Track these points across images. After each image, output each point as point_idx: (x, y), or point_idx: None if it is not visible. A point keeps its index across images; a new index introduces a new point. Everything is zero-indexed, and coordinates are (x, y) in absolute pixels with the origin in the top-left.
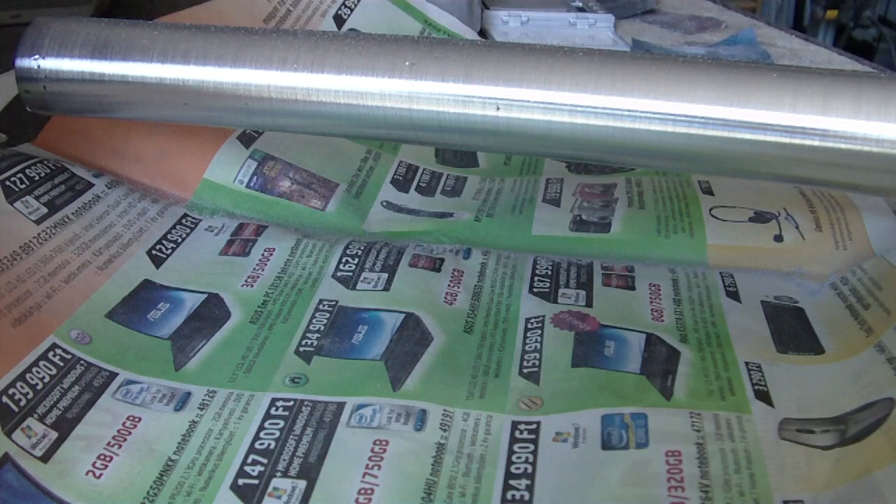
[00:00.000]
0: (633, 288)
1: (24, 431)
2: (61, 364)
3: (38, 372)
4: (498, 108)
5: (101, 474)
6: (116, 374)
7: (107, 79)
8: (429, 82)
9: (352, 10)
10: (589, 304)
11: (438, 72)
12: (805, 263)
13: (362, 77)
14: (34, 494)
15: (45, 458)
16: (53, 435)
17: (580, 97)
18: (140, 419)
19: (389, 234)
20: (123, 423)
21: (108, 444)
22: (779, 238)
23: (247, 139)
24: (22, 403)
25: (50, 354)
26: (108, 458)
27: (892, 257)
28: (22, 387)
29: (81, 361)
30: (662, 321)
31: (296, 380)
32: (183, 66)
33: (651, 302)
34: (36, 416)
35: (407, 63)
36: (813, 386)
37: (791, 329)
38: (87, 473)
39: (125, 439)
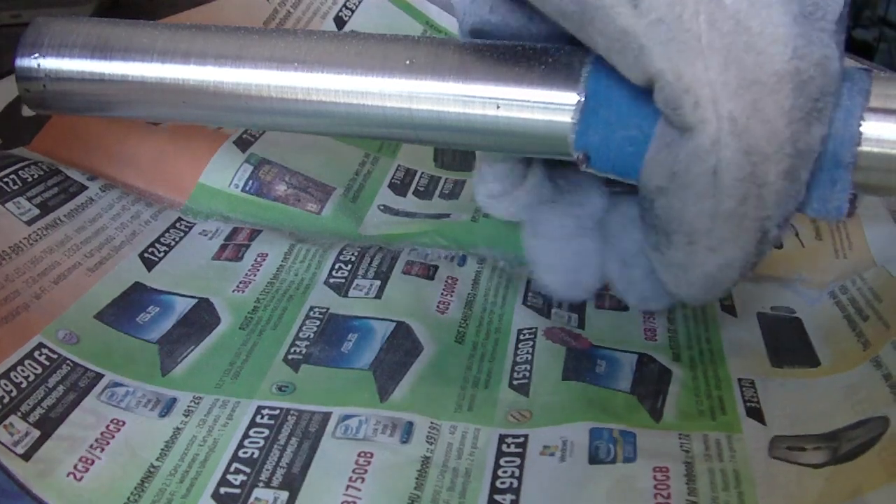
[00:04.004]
0: (626, 309)
1: (6, 429)
2: (47, 363)
3: (23, 370)
4: (498, 107)
5: (81, 476)
6: (102, 376)
7: (107, 78)
8: (428, 81)
9: (353, 12)
10: (581, 325)
11: (438, 70)
12: (804, 271)
13: (362, 77)
14: (14, 493)
15: (26, 457)
16: (36, 433)
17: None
18: (124, 423)
19: (385, 237)
20: (107, 426)
21: (91, 446)
22: (778, 245)
23: (243, 143)
24: (5, 401)
25: (36, 353)
26: (89, 462)
27: (893, 267)
28: (6, 384)
29: (68, 361)
30: (655, 340)
31: (282, 388)
32: (183, 65)
33: (644, 322)
34: (19, 413)
35: (407, 62)
36: (806, 401)
37: (787, 341)
38: (67, 475)
39: (108, 443)
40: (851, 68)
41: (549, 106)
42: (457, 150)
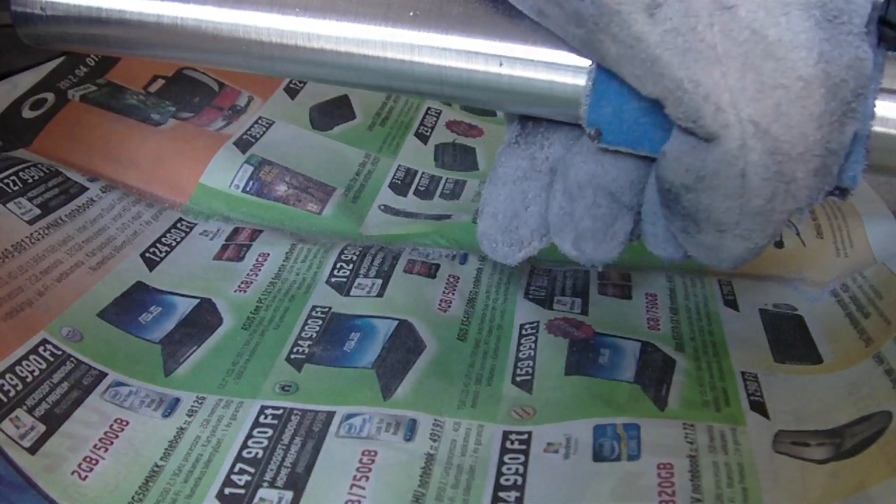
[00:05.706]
0: (629, 297)
1: (12, 422)
2: (51, 359)
3: (28, 365)
4: (501, 64)
5: (86, 476)
6: (106, 375)
7: (104, 15)
8: (430, 33)
9: None
10: (584, 311)
11: (441, 23)
12: (805, 270)
13: (364, 25)
14: (20, 485)
15: (32, 450)
16: (42, 428)
17: None
18: (127, 423)
19: (386, 238)
20: (111, 426)
21: (95, 446)
22: (779, 244)
23: (243, 144)
24: (11, 395)
25: (41, 349)
26: (93, 461)
27: (894, 264)
28: (11, 378)
29: (72, 358)
30: (658, 330)
31: (286, 387)
32: (182, 4)
33: (647, 311)
34: (25, 407)
35: (410, 13)
36: (809, 397)
37: (789, 338)
38: (72, 473)
39: (112, 443)
40: None
41: (553, 66)
42: (463, 105)
